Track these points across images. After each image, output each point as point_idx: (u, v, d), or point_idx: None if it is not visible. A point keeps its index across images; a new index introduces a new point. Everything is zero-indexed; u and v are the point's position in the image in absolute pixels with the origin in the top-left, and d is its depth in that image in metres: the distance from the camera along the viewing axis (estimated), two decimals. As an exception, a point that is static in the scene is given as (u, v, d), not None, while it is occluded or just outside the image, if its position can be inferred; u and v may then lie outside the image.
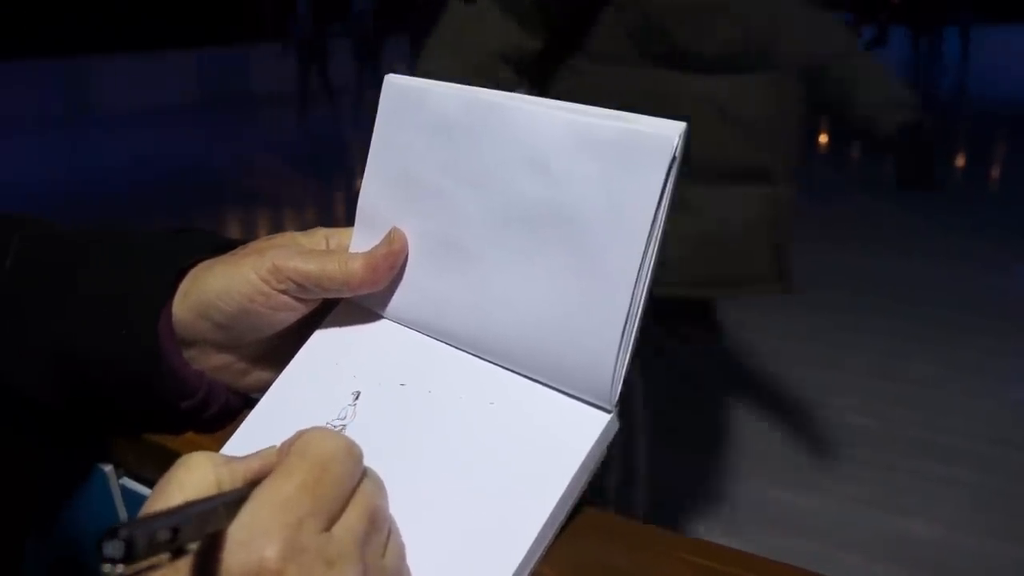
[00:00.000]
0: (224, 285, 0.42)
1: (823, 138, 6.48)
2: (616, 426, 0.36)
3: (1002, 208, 4.90)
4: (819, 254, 4.06)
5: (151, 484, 0.50)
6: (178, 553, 0.27)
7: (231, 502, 0.29)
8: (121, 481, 0.51)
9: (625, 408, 0.36)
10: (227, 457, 0.33)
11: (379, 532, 0.33)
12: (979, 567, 1.88)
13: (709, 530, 2.00)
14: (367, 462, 0.35)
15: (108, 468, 0.51)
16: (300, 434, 0.33)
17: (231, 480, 0.32)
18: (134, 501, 0.51)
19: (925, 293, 3.52)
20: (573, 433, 0.36)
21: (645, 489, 1.54)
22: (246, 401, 0.46)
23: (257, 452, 0.35)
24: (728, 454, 2.36)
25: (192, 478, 0.31)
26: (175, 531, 0.26)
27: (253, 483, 0.32)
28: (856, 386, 2.74)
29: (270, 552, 0.28)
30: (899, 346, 3.02)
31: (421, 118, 0.41)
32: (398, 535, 0.35)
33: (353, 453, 0.33)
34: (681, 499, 2.13)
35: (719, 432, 2.47)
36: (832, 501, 2.13)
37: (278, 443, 0.33)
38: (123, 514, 0.52)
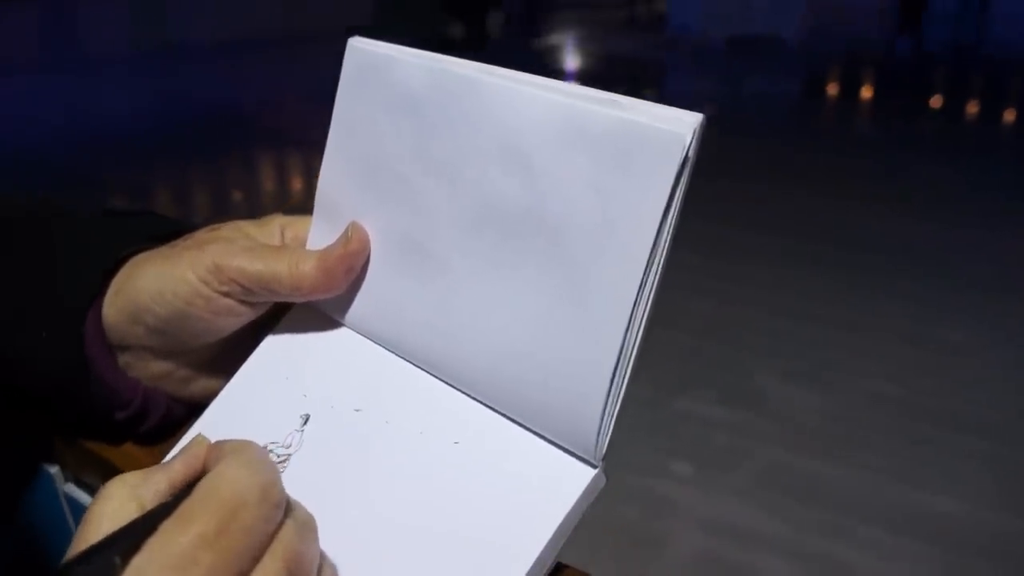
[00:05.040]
0: (158, 286, 0.36)
1: (866, 92, 6.20)
2: (603, 481, 0.30)
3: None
4: (851, 213, 3.94)
5: (94, 491, 0.45)
6: None
7: (133, 544, 0.24)
8: (66, 487, 0.46)
9: None
10: (146, 472, 0.28)
11: None
12: (1002, 543, 1.83)
13: (725, 499, 1.96)
14: (310, 501, 0.29)
15: (54, 470, 0.46)
16: (216, 455, 0.28)
17: (154, 498, 0.28)
18: (79, 510, 0.46)
19: (958, 257, 3.39)
20: (551, 487, 0.29)
21: None
22: (191, 410, 0.41)
23: (182, 450, 0.30)
24: (747, 418, 2.30)
25: (110, 510, 0.27)
26: None
27: (180, 489, 0.28)
28: (882, 352, 2.65)
29: None
30: (929, 312, 2.92)
31: (387, 92, 0.34)
32: None
33: (269, 496, 0.26)
34: (695, 461, 2.09)
35: (737, 393, 2.41)
36: (853, 470, 2.08)
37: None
38: (70, 520, 0.47)
